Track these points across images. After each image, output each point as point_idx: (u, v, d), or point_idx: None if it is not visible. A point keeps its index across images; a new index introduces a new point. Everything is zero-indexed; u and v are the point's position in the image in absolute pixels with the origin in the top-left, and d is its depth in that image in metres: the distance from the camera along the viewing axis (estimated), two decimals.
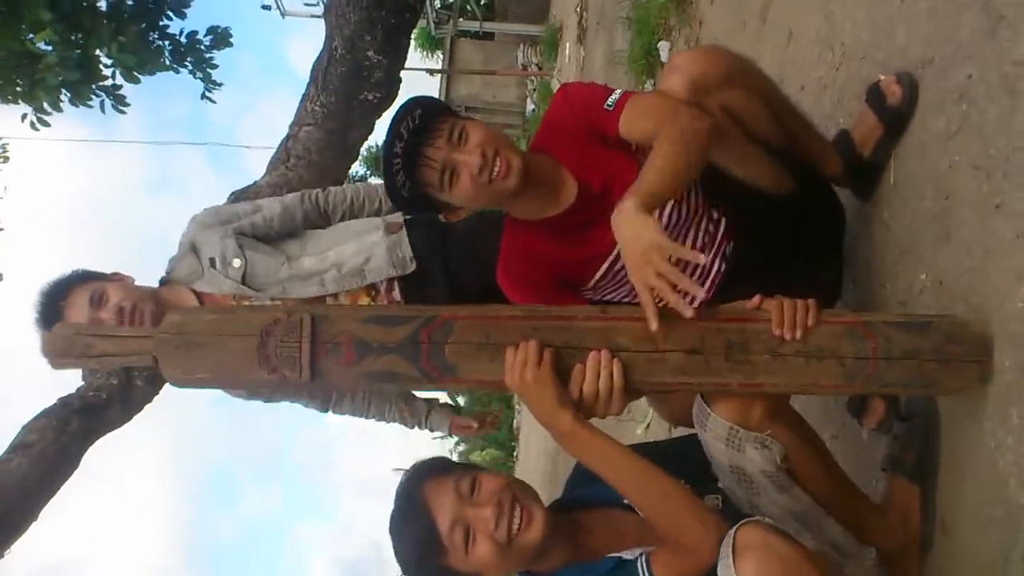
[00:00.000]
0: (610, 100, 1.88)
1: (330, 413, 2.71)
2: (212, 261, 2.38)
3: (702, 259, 1.69)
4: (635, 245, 1.53)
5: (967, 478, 1.67)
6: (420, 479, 1.68)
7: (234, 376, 1.54)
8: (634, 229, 1.54)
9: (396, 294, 2.41)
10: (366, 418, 2.73)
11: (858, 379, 1.55)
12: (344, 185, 2.68)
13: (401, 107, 1.80)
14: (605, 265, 1.96)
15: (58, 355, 1.53)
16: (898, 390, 1.72)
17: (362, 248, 2.41)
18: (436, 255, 2.43)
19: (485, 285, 2.13)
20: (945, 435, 1.78)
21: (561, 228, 1.96)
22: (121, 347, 1.51)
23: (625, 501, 1.72)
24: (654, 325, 1.51)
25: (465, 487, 1.62)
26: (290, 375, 1.50)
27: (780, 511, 1.64)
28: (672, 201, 1.91)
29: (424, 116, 1.79)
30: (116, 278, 2.38)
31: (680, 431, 2.13)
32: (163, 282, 2.46)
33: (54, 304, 2.29)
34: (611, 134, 1.88)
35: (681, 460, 1.70)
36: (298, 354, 1.51)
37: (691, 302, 1.49)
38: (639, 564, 1.51)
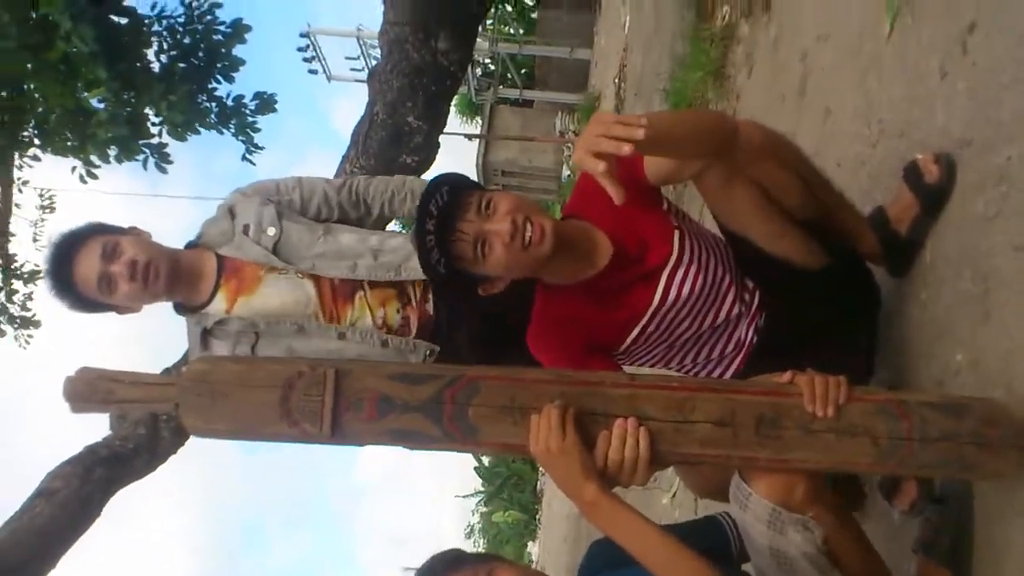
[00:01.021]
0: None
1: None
2: (246, 228, 2.29)
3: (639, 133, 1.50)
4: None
5: (1003, 566, 1.61)
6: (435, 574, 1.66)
7: (254, 428, 1.53)
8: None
9: (429, 307, 2.31)
10: None
11: (892, 459, 1.51)
12: (385, 179, 2.55)
13: (428, 186, 1.82)
14: (638, 328, 1.95)
15: (79, 399, 1.53)
16: (934, 472, 1.67)
17: (406, 244, 2.32)
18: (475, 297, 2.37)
19: (521, 322, 2.05)
20: (980, 519, 1.72)
21: (595, 291, 1.95)
22: (144, 393, 1.51)
23: None
24: (619, 198, 1.49)
25: (482, 574, 1.60)
26: (311, 429, 1.49)
27: None
28: (704, 271, 1.91)
29: (451, 193, 1.81)
30: (133, 232, 2.27)
31: (703, 506, 2.09)
32: (190, 245, 2.36)
33: (66, 255, 2.19)
34: (639, 174, 1.88)
35: (698, 543, 1.66)
36: (320, 408, 1.50)
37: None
38: None
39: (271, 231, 2.27)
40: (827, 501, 1.61)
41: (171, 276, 2.21)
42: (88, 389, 1.52)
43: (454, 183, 1.84)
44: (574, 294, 1.98)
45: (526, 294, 2.04)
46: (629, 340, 1.99)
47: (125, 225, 2.30)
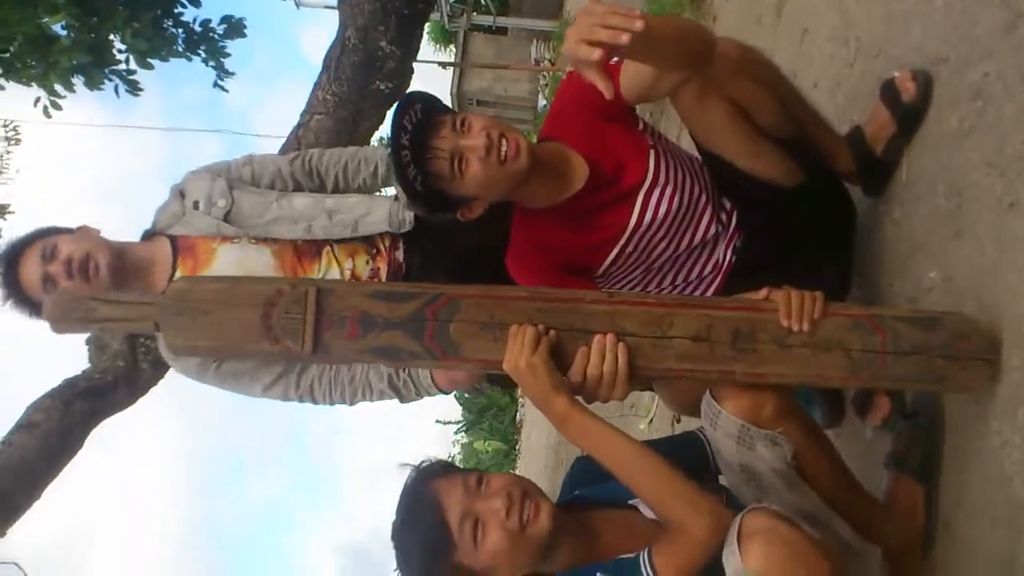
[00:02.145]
0: (614, 60, 1.88)
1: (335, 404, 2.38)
2: (196, 203, 2.24)
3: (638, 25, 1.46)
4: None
5: (972, 477, 1.66)
6: (428, 478, 1.67)
7: (236, 345, 1.53)
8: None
9: (399, 254, 2.28)
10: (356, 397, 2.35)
11: (865, 372, 1.54)
12: (338, 149, 2.48)
13: (400, 103, 1.80)
14: (616, 249, 1.96)
15: (59, 320, 1.52)
16: (906, 385, 1.71)
17: (364, 202, 2.29)
18: (447, 243, 2.29)
19: (495, 265, 2.05)
20: (950, 434, 1.77)
21: (572, 213, 1.95)
22: (123, 312, 1.51)
23: (631, 502, 1.72)
24: (608, 91, 1.45)
25: (473, 482, 1.62)
26: (292, 346, 1.50)
27: (789, 509, 1.63)
28: (680, 191, 1.91)
29: (424, 110, 1.80)
30: (80, 231, 2.21)
31: (680, 431, 2.13)
32: (146, 235, 2.31)
33: (11, 265, 2.16)
34: (615, 95, 1.86)
35: (677, 457, 1.69)
36: (302, 326, 1.50)
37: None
38: (641, 559, 1.50)
39: (221, 202, 2.22)
40: (797, 417, 1.64)
41: (115, 268, 2.14)
42: (68, 309, 1.52)
43: (426, 101, 1.83)
44: (551, 217, 1.98)
45: (499, 238, 2.04)
46: (607, 262, 1.99)
47: (73, 225, 2.25)
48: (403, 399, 2.25)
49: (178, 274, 2.21)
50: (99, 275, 2.12)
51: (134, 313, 1.52)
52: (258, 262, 2.22)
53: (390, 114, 1.83)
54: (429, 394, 2.26)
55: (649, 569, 1.47)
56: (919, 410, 1.86)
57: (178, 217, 2.26)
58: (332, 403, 2.27)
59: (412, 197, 1.85)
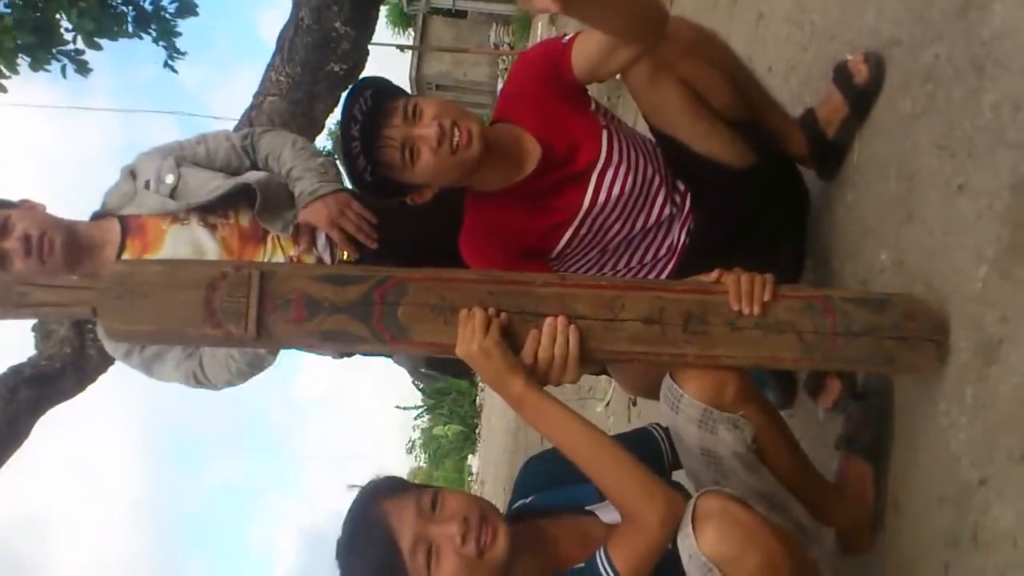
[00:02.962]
0: (565, 39, 1.87)
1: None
2: (147, 183, 2.19)
3: None
4: None
5: (920, 457, 1.67)
6: (377, 498, 1.57)
7: (176, 330, 1.48)
8: None
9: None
10: None
11: (817, 353, 1.55)
12: (283, 134, 2.41)
13: (351, 90, 1.78)
14: (569, 232, 1.94)
15: None
16: (857, 367, 1.72)
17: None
18: (401, 226, 2.23)
19: (449, 250, 2.02)
20: (900, 415, 1.79)
21: (525, 195, 1.93)
22: (60, 297, 1.46)
23: (587, 508, 1.69)
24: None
25: (427, 503, 1.52)
26: (235, 331, 1.46)
27: (747, 492, 1.63)
28: (632, 173, 1.90)
29: (375, 97, 1.77)
30: (25, 205, 2.16)
31: (635, 414, 2.12)
32: (95, 217, 2.25)
33: None
34: (566, 73, 1.86)
35: (631, 452, 1.67)
36: (245, 309, 1.46)
37: None
38: (598, 558, 1.46)
39: (169, 178, 2.17)
40: (757, 401, 1.64)
41: (68, 248, 2.08)
42: (2, 293, 1.47)
43: (378, 87, 1.80)
44: (504, 200, 1.96)
45: (450, 222, 2.01)
46: (561, 244, 1.98)
47: (15, 199, 2.17)
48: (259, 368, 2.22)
49: (126, 255, 2.16)
50: (53, 254, 2.06)
51: (70, 298, 1.48)
52: (206, 246, 2.17)
53: (344, 97, 1.79)
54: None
55: (607, 566, 1.43)
56: (870, 391, 1.88)
57: (129, 197, 2.21)
58: (218, 383, 2.23)
59: (361, 186, 1.82)
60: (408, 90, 1.97)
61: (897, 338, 1.56)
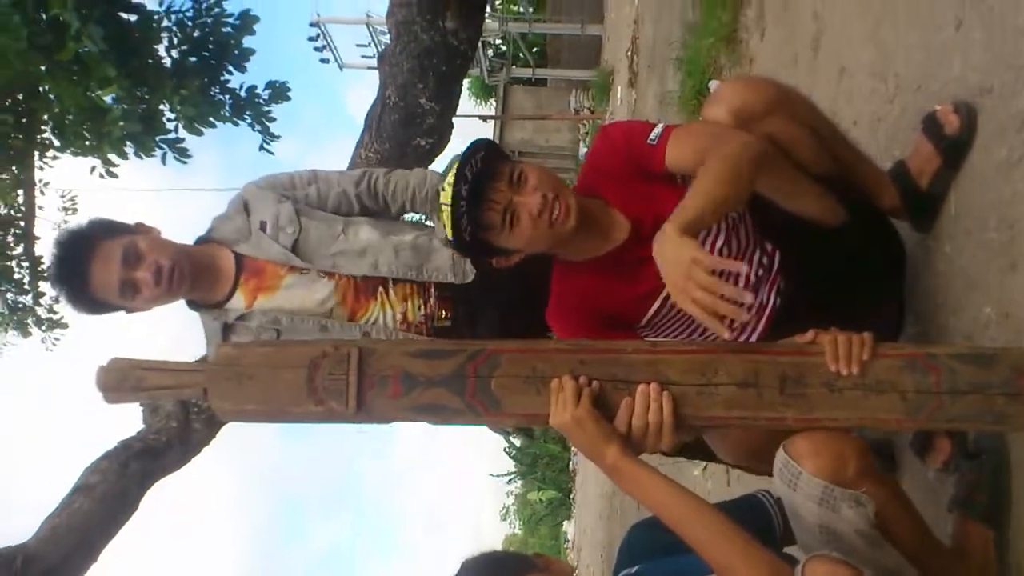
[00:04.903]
0: (653, 135, 1.87)
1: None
2: (263, 224, 2.23)
3: (743, 268, 1.68)
4: (676, 266, 1.52)
5: None
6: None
7: (282, 408, 1.54)
8: (674, 250, 1.53)
9: (449, 302, 2.28)
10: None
11: (922, 413, 1.49)
12: (411, 170, 2.46)
13: (466, 150, 1.81)
14: (657, 302, 1.93)
15: (112, 389, 1.55)
16: (965, 425, 1.65)
17: (428, 242, 2.29)
18: (493, 288, 2.28)
19: (536, 312, 2.04)
20: (1016, 472, 1.71)
21: (613, 266, 1.94)
22: (173, 380, 1.53)
23: None
24: (726, 334, 1.49)
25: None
26: (337, 407, 1.51)
27: (869, 567, 1.56)
28: (722, 236, 1.89)
29: (485, 160, 1.81)
30: (143, 230, 2.18)
31: (735, 476, 2.07)
32: (200, 241, 2.29)
33: (79, 261, 2.09)
34: (656, 169, 1.87)
35: (737, 520, 1.62)
36: (345, 386, 1.52)
37: (743, 308, 1.49)
38: None
39: (290, 229, 2.22)
40: (877, 473, 1.58)
41: (192, 277, 2.16)
42: (119, 378, 1.54)
43: (489, 150, 1.84)
44: (592, 270, 1.97)
45: (542, 288, 2.04)
46: (650, 313, 1.97)
47: (131, 222, 2.22)
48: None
49: (239, 292, 2.23)
50: (184, 283, 2.14)
51: (183, 380, 1.55)
52: (322, 292, 2.24)
53: (456, 156, 1.84)
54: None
55: None
56: (982, 450, 1.80)
57: (243, 234, 2.26)
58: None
59: (457, 244, 1.86)
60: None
61: (1008, 394, 1.49)
